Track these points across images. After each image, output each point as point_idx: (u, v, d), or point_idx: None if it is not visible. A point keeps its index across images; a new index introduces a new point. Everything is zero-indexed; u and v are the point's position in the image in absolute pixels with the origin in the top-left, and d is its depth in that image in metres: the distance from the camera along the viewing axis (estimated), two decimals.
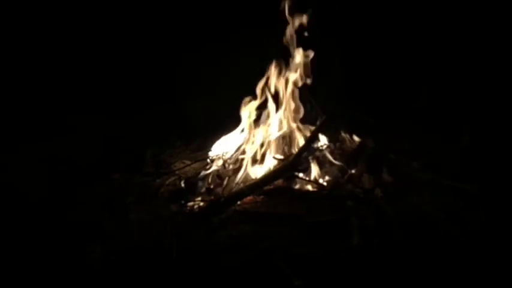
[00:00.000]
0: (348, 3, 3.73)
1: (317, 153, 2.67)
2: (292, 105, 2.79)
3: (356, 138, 2.87)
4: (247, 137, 2.79)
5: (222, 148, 2.85)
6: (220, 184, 2.55)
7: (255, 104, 2.79)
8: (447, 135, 3.16)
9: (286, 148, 2.73)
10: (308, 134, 2.73)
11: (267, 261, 1.85)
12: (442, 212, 2.22)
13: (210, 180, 2.58)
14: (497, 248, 1.92)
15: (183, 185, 2.57)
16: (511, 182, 2.48)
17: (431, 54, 3.75)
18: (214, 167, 2.67)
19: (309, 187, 2.52)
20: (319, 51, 2.77)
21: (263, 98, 2.80)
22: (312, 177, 2.56)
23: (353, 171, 2.60)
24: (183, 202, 2.43)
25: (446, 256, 1.88)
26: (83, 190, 2.58)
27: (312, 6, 2.73)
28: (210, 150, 2.93)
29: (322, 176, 2.58)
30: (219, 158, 2.75)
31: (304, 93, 2.82)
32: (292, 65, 2.78)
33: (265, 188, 2.44)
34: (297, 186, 2.53)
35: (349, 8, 3.75)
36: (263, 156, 2.67)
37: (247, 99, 2.81)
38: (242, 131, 2.83)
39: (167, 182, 2.67)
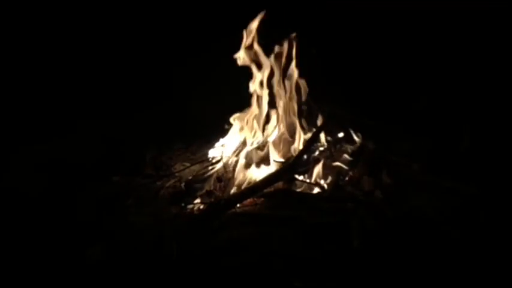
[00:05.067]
0: (347, 5, 3.74)
1: (317, 155, 2.67)
2: (292, 106, 2.79)
3: (356, 140, 2.87)
4: (247, 139, 2.79)
5: (222, 150, 2.85)
6: (221, 186, 2.55)
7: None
8: (447, 137, 3.16)
9: (286, 150, 2.73)
10: (308, 136, 2.73)
11: (267, 263, 1.85)
12: (442, 214, 2.22)
13: (210, 182, 2.58)
14: (497, 250, 1.92)
15: (183, 187, 2.58)
16: (511, 183, 2.48)
17: (431, 55, 3.75)
18: (214, 169, 2.66)
19: (309, 189, 2.52)
20: (319, 52, 2.77)
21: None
22: (312, 180, 2.56)
23: (353, 173, 2.60)
24: (183, 204, 2.44)
25: (446, 258, 1.88)
26: (83, 192, 2.58)
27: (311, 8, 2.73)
28: (210, 152, 2.93)
29: (322, 178, 2.58)
30: (219, 160, 2.75)
31: (304, 95, 2.83)
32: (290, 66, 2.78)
33: (265, 190, 2.44)
34: (297, 189, 2.53)
35: (348, 9, 3.76)
36: (263, 158, 2.67)
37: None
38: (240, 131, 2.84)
39: (167, 184, 2.68)
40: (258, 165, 2.62)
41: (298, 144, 2.72)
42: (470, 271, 1.80)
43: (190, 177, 2.65)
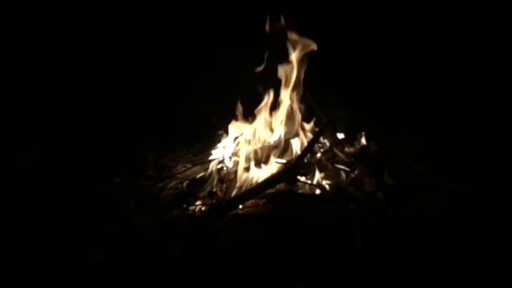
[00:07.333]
0: (347, 6, 3.74)
1: (319, 156, 2.67)
2: (293, 108, 2.79)
3: (358, 141, 2.87)
4: (248, 140, 2.79)
5: (223, 151, 2.85)
6: (222, 188, 2.55)
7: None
8: (448, 138, 3.17)
9: (287, 151, 2.72)
10: (310, 137, 2.73)
11: (269, 264, 1.85)
12: (444, 215, 2.23)
13: (212, 183, 2.58)
14: (498, 250, 1.93)
15: (185, 188, 2.57)
16: (511, 183, 2.49)
17: (431, 56, 3.75)
18: (215, 171, 2.66)
19: (311, 190, 2.52)
20: (319, 54, 2.77)
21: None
22: (314, 181, 2.56)
23: (355, 174, 2.60)
24: (185, 206, 2.43)
25: (447, 259, 1.88)
26: (84, 194, 2.58)
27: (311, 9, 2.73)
28: (211, 153, 2.93)
29: (324, 179, 2.58)
30: (220, 162, 2.74)
31: (305, 97, 2.83)
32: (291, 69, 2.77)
33: (267, 191, 2.44)
34: (298, 190, 2.53)
35: (348, 10, 3.76)
36: (265, 159, 2.67)
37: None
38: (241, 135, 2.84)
39: (169, 186, 2.68)
40: (259, 166, 2.62)
41: (300, 145, 2.71)
42: (470, 271, 1.81)
43: (192, 179, 2.64)
